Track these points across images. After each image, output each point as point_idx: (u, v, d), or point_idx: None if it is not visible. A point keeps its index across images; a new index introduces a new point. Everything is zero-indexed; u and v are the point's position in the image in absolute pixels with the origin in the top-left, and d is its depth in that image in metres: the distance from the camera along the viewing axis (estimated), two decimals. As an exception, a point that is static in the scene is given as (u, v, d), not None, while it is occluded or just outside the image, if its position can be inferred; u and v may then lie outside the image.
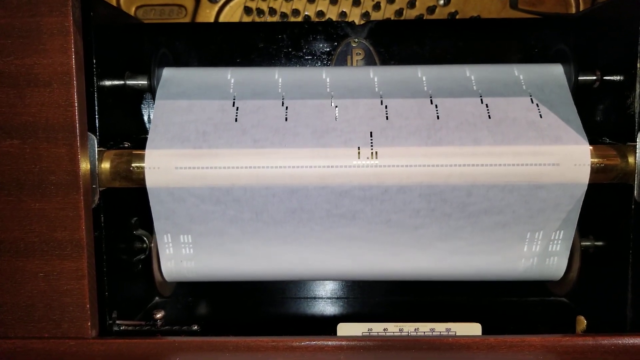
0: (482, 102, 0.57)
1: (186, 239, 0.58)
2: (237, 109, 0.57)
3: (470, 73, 0.61)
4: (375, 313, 0.67)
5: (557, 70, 0.62)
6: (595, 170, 0.54)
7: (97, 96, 0.53)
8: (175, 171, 0.54)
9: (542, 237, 0.58)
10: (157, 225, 0.57)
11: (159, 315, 0.54)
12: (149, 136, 0.55)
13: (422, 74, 0.60)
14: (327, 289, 0.70)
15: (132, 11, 0.73)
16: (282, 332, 0.50)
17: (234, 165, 0.54)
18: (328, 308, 0.68)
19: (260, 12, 0.74)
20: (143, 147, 0.54)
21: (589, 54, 0.62)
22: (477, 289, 0.67)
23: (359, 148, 0.54)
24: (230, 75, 0.61)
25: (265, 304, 0.69)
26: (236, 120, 0.56)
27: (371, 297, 0.70)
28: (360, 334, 0.55)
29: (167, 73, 0.62)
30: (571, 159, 0.54)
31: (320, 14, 0.73)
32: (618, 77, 0.56)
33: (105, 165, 0.53)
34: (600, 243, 0.60)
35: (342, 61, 0.69)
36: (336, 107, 0.57)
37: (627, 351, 0.49)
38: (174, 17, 0.74)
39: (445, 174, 0.53)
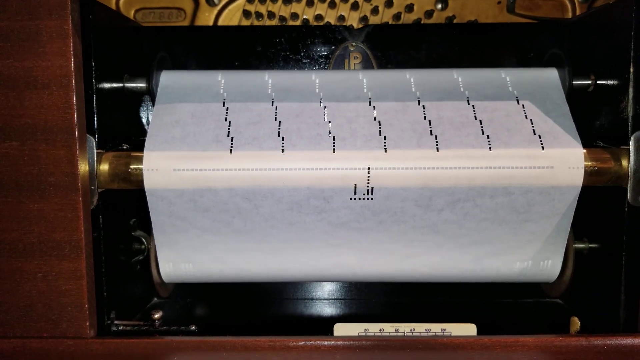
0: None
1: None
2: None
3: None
4: (372, 314, 0.68)
5: (551, 75, 0.62)
6: (589, 173, 0.54)
7: (96, 98, 0.53)
8: (174, 173, 0.54)
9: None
10: (156, 226, 0.57)
11: (157, 316, 0.54)
12: (147, 138, 0.56)
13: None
14: (325, 290, 0.71)
15: (131, 14, 0.74)
16: (279, 333, 0.51)
17: (233, 168, 0.54)
18: (325, 309, 0.68)
19: (259, 15, 0.74)
20: (142, 149, 0.55)
21: (583, 59, 0.62)
22: (473, 290, 0.67)
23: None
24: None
25: (263, 305, 0.69)
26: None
27: (368, 298, 0.70)
28: (356, 334, 0.55)
29: (166, 76, 0.63)
30: (565, 162, 0.54)
31: (319, 17, 0.74)
32: (612, 82, 0.57)
33: (104, 166, 0.54)
34: (594, 245, 0.60)
35: (339, 65, 0.70)
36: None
37: (620, 351, 0.49)
38: (173, 20, 0.74)
39: (441, 177, 0.54)
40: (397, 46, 0.69)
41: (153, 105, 0.60)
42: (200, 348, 0.50)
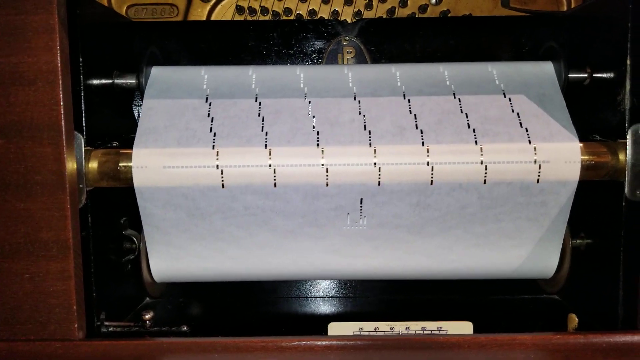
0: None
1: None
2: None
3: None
4: (367, 311, 0.67)
5: (547, 68, 0.61)
6: (585, 168, 0.54)
7: (84, 95, 0.52)
8: (164, 170, 0.53)
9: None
10: (146, 225, 0.56)
11: (147, 316, 0.54)
12: (137, 135, 0.55)
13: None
14: (319, 288, 0.70)
15: (123, 10, 0.73)
16: (273, 333, 0.50)
17: (224, 164, 0.53)
18: (319, 307, 0.67)
19: (252, 10, 0.73)
20: (132, 147, 0.54)
21: (579, 52, 0.62)
22: (469, 287, 0.67)
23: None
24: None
25: (256, 304, 0.68)
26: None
27: (363, 296, 0.69)
28: (351, 334, 0.55)
29: (156, 72, 0.62)
30: (561, 156, 0.53)
31: (313, 12, 0.73)
32: (608, 74, 0.56)
33: (93, 164, 0.53)
34: (591, 240, 0.59)
35: (333, 59, 0.69)
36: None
37: (619, 349, 0.49)
38: (166, 16, 0.74)
39: (435, 172, 0.53)
40: (391, 40, 0.69)
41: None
42: (191, 349, 0.49)
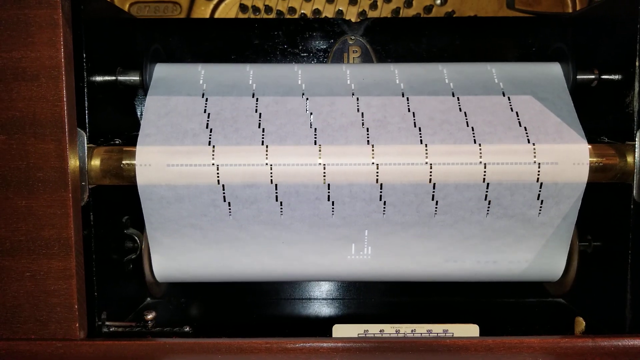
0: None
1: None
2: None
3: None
4: (372, 314, 0.66)
5: (555, 69, 0.61)
6: (594, 170, 0.53)
7: (87, 91, 0.51)
8: (167, 169, 0.53)
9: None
10: (149, 224, 0.56)
11: (149, 316, 0.53)
12: (140, 132, 0.54)
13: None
14: (323, 289, 0.69)
15: (126, 7, 0.72)
16: (276, 334, 0.50)
17: (228, 163, 0.53)
18: (323, 309, 0.67)
19: (256, 9, 0.73)
20: (135, 144, 0.53)
21: (587, 53, 0.61)
22: (474, 289, 0.66)
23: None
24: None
25: (259, 305, 0.68)
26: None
27: (367, 298, 0.69)
28: (356, 336, 0.54)
29: (160, 69, 0.61)
30: (570, 157, 0.53)
31: (317, 12, 0.73)
32: (616, 76, 0.55)
33: (95, 162, 0.52)
34: (598, 243, 0.59)
35: (338, 59, 0.69)
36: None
37: (627, 353, 0.48)
38: (169, 13, 0.73)
39: (441, 172, 0.52)
40: (396, 40, 0.68)
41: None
42: (194, 350, 0.48)
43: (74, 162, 0.49)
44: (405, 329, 0.54)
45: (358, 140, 0.53)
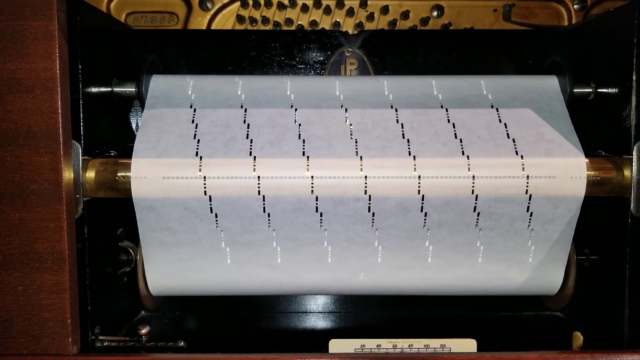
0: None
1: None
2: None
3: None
4: (368, 327, 0.66)
5: (551, 82, 0.61)
6: (591, 183, 0.53)
7: (83, 103, 0.51)
8: (163, 181, 0.52)
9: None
10: (143, 237, 0.55)
11: (144, 331, 0.52)
12: (135, 145, 0.54)
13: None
14: (319, 303, 0.69)
15: (122, 18, 0.72)
16: (272, 348, 0.49)
17: (224, 176, 0.52)
18: (319, 322, 0.66)
19: (252, 20, 0.73)
20: (130, 156, 0.53)
21: (583, 66, 0.61)
22: (472, 303, 0.66)
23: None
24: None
25: (255, 319, 0.67)
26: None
27: (364, 312, 0.68)
28: (352, 351, 0.53)
29: (156, 81, 0.61)
30: (567, 171, 0.53)
31: (314, 23, 0.73)
32: (613, 90, 0.56)
33: (90, 174, 0.52)
34: (596, 257, 0.59)
35: (335, 70, 0.69)
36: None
37: (626, 368, 0.48)
38: (165, 24, 0.73)
39: (430, 185, 0.52)
40: (393, 52, 0.68)
41: (143, 111, 0.58)
42: (189, 365, 0.47)
43: (68, 175, 0.48)
44: (403, 344, 0.53)
45: (347, 152, 0.53)
